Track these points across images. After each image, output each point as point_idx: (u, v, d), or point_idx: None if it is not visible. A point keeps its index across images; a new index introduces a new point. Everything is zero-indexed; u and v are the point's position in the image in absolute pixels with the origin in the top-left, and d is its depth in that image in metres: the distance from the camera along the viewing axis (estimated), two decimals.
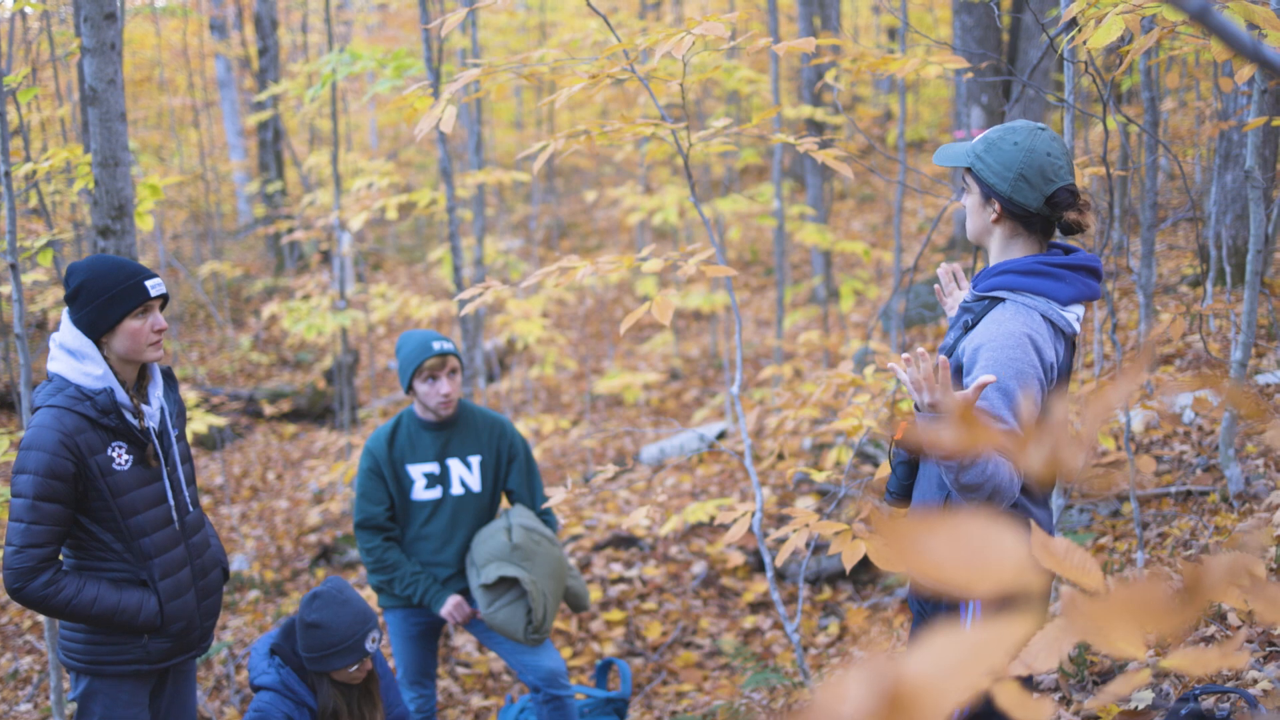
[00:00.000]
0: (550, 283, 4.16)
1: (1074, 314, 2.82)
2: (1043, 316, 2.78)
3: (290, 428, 13.35)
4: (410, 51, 9.20)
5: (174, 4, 17.87)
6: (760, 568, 7.19)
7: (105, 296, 3.40)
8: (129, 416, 3.46)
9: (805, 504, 7.62)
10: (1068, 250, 2.89)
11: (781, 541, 6.76)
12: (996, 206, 2.84)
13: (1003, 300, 2.82)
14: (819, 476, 4.48)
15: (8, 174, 4.87)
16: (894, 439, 3.07)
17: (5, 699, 6.49)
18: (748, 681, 5.44)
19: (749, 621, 6.66)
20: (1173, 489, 6.16)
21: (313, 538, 9.58)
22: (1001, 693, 1.14)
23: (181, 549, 3.61)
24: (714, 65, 8.04)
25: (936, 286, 3.43)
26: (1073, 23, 4.56)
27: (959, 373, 2.82)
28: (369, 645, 3.85)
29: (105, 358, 3.44)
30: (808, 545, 6.89)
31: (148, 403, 3.57)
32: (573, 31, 18.52)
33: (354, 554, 8.62)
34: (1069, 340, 2.87)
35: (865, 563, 6.97)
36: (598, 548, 7.42)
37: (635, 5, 19.73)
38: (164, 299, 3.52)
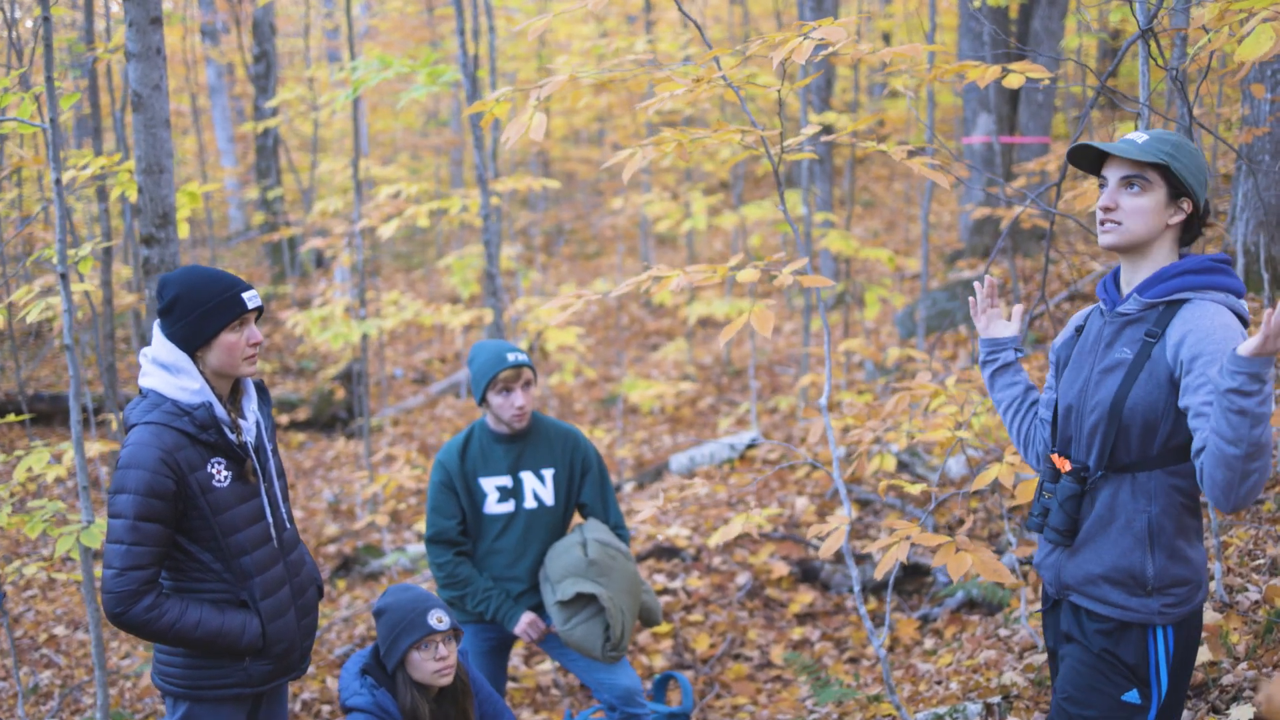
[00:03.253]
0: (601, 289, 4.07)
1: (1245, 307, 2.80)
2: (1232, 311, 2.78)
3: (299, 436, 13.22)
4: (410, 56, 9.11)
5: (167, 10, 17.73)
6: (805, 578, 7.12)
7: (202, 310, 3.30)
8: (227, 432, 3.36)
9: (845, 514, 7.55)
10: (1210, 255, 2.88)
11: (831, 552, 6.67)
12: (1186, 206, 2.83)
13: (1187, 301, 2.78)
14: (914, 489, 4.41)
15: (59, 181, 4.75)
16: (1055, 472, 2.97)
17: (30, 714, 6.35)
18: (820, 696, 5.35)
19: (797, 633, 6.58)
20: None
21: (331, 548, 9.47)
22: None
23: (280, 567, 3.51)
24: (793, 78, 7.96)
25: (971, 299, 3.39)
26: (1149, 30, 4.51)
27: (1166, 379, 2.76)
28: (433, 622, 3.75)
29: (200, 372, 3.34)
30: (865, 556, 6.84)
31: (244, 417, 3.47)
32: (568, 37, 18.51)
33: (376, 565, 8.51)
34: None
35: (911, 573, 6.91)
36: (640, 558, 7.34)
37: (622, 13, 19.65)
38: (259, 311, 3.42)
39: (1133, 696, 2.87)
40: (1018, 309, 3.32)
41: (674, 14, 18.90)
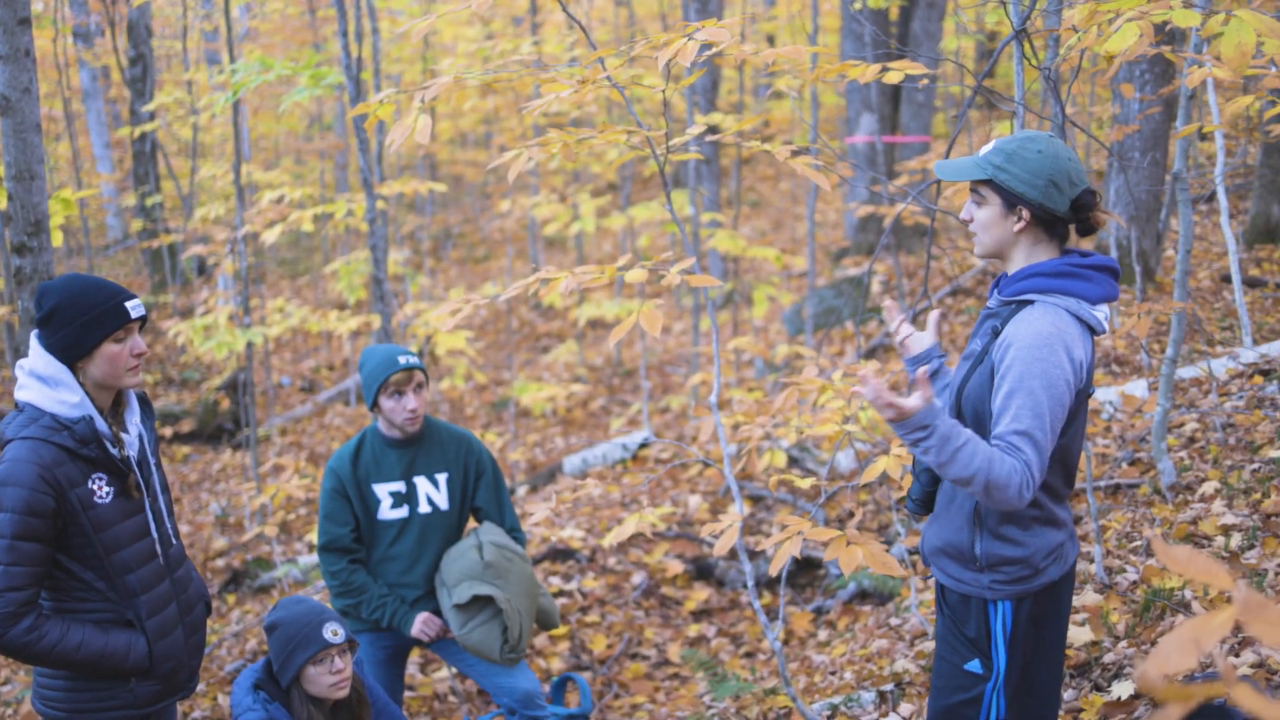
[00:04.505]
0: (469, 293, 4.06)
1: (1102, 313, 2.87)
2: (1073, 315, 2.82)
3: (183, 449, 12.94)
4: (292, 59, 8.98)
5: (37, 11, 17.23)
6: (700, 575, 7.17)
7: (83, 319, 3.19)
8: (109, 446, 3.26)
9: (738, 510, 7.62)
10: (1084, 254, 2.93)
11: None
12: (1025, 215, 2.86)
13: (1031, 302, 2.84)
14: (803, 484, 4.46)
15: None
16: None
17: None
18: (718, 691, 5.39)
19: (693, 630, 6.62)
20: (1102, 482, 6.29)
21: (220, 562, 9.31)
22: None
23: (167, 584, 3.42)
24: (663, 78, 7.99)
25: (889, 320, 3.44)
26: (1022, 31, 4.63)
27: (992, 375, 2.84)
28: (328, 635, 3.70)
29: (80, 384, 3.24)
30: (759, 551, 6.90)
31: (126, 430, 3.38)
32: (454, 39, 18.40)
33: (266, 578, 8.38)
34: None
35: (804, 566, 6.99)
36: (535, 561, 7.32)
37: (508, 15, 19.58)
38: (143, 321, 3.34)
39: (975, 666, 3.01)
40: (933, 316, 3.33)
41: (560, 16, 18.88)
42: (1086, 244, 10.77)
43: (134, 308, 3.27)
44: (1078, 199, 2.85)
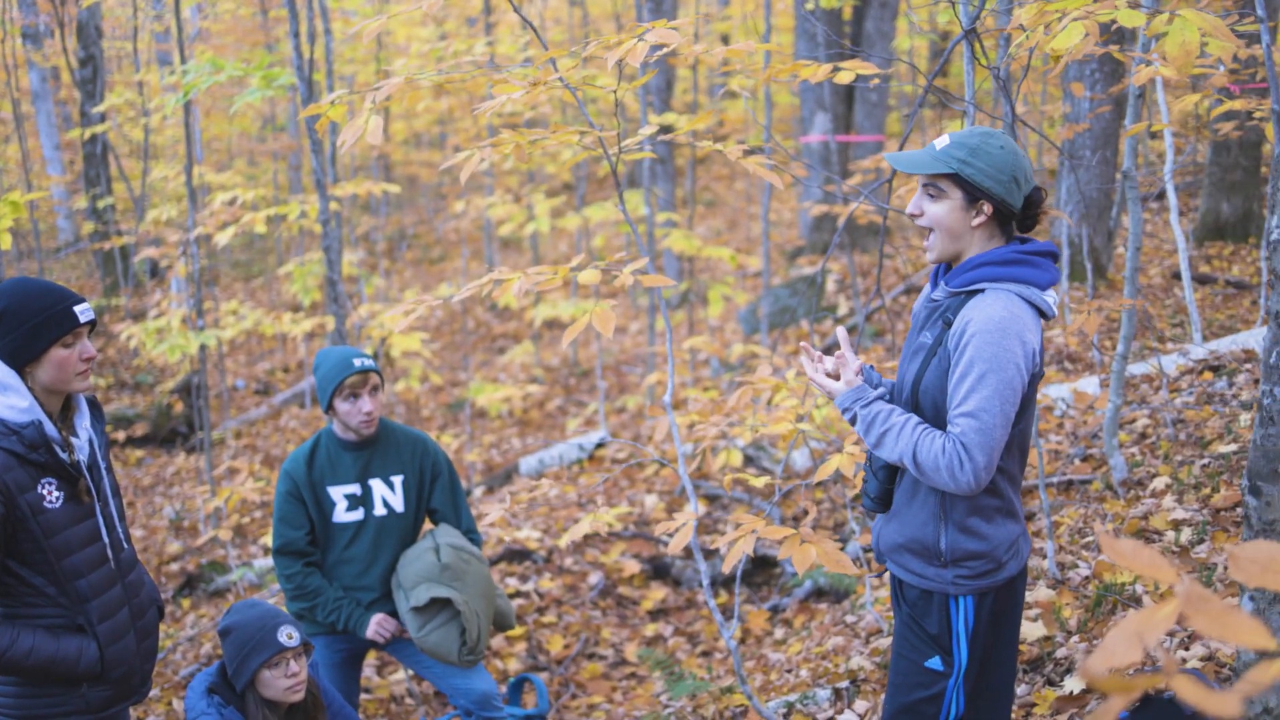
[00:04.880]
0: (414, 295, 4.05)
1: (1051, 297, 2.91)
2: (1025, 301, 2.85)
3: (137, 453, 12.83)
4: (244, 60, 8.92)
5: None
6: (657, 575, 7.18)
7: (31, 324, 3.17)
8: (58, 450, 3.23)
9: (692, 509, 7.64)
10: (1024, 240, 2.96)
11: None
12: (986, 209, 2.87)
13: (982, 291, 2.87)
14: (758, 483, 4.48)
15: None
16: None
17: None
18: (674, 690, 5.41)
19: (650, 629, 6.64)
20: (1055, 479, 6.35)
21: (174, 566, 9.23)
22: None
23: (119, 589, 3.39)
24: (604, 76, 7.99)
25: (804, 359, 3.37)
26: (972, 31, 4.67)
27: (949, 367, 2.86)
28: (283, 639, 3.69)
29: (29, 389, 3.21)
30: (714, 551, 6.92)
31: (75, 435, 3.35)
32: (408, 39, 18.32)
33: (221, 581, 8.32)
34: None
35: (760, 565, 7.02)
36: (491, 562, 7.31)
37: (462, 16, 19.52)
38: (92, 325, 3.31)
39: (935, 663, 3.02)
40: (842, 335, 3.21)
41: (514, 17, 18.84)
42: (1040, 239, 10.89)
43: (83, 312, 3.24)
44: (1030, 195, 2.90)
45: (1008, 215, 2.91)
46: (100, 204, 16.97)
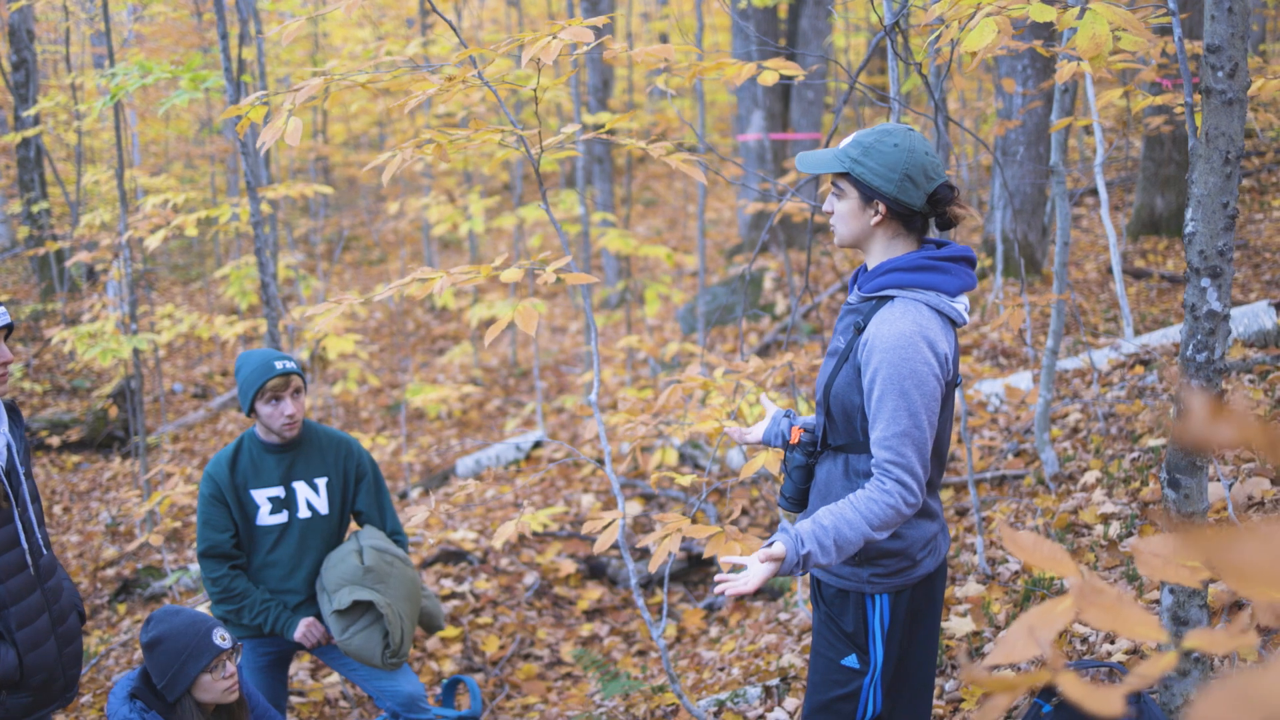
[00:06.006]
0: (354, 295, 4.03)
1: (961, 304, 2.90)
2: (932, 309, 2.84)
3: (73, 458, 12.66)
4: (177, 62, 8.81)
5: None
6: (593, 575, 7.18)
7: None
8: None
9: (630, 509, 7.65)
10: (939, 244, 2.96)
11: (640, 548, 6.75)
12: (881, 209, 2.86)
13: (891, 298, 2.87)
14: (683, 480, 4.48)
15: None
16: (788, 443, 3.10)
17: None
18: (607, 690, 5.40)
19: (586, 629, 6.63)
20: (988, 474, 6.41)
21: (110, 571, 9.11)
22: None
23: (38, 595, 3.35)
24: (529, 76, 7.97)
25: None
26: (895, 26, 4.71)
27: (858, 373, 2.86)
28: (218, 641, 3.67)
29: None
30: (642, 549, 6.92)
31: None
32: (344, 41, 18.21)
33: (158, 586, 8.22)
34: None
35: (696, 563, 7.03)
36: (426, 564, 7.28)
37: (399, 17, 19.43)
38: (9, 329, 3.26)
39: (851, 661, 3.02)
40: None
41: (452, 19, 18.77)
42: (975, 237, 10.95)
43: None
44: (935, 193, 2.84)
45: (909, 214, 2.88)
46: (35, 208, 16.73)
